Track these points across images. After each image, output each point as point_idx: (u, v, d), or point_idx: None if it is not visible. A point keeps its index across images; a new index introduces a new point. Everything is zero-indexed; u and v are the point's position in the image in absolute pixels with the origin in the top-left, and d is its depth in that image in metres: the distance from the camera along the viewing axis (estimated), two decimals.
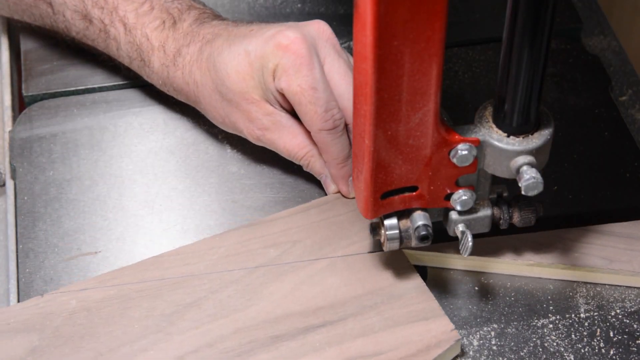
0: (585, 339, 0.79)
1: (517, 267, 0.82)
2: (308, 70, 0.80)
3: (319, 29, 0.83)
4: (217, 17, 0.89)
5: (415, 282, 0.80)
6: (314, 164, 0.85)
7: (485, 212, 0.77)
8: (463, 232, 0.76)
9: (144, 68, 0.89)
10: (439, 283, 0.82)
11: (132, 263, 0.82)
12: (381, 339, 0.76)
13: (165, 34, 0.87)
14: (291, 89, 0.80)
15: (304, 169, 0.86)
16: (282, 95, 0.82)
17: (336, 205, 0.84)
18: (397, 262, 0.81)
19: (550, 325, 0.80)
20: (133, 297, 0.78)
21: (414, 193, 0.74)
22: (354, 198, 0.84)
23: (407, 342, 0.76)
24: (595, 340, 0.79)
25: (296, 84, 0.80)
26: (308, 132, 0.83)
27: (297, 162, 0.85)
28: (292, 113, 0.83)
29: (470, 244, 0.75)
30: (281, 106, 0.83)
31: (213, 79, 0.84)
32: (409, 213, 0.76)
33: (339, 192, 0.85)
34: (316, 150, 0.84)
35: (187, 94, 0.87)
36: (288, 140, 0.83)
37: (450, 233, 0.77)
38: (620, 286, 0.82)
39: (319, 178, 0.86)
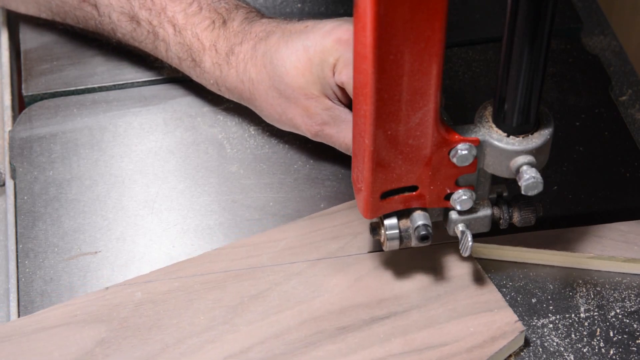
0: (585, 339, 0.79)
1: (576, 260, 0.82)
2: None
3: None
4: (264, 15, 0.89)
5: (477, 274, 0.80)
6: None
7: (485, 211, 0.77)
8: (463, 232, 0.76)
9: (194, 68, 0.89)
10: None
11: (132, 261, 0.82)
12: (446, 330, 0.77)
13: (216, 33, 0.87)
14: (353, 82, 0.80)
15: None
16: (342, 89, 0.82)
17: None
18: (459, 254, 0.81)
19: (550, 325, 0.80)
20: (198, 289, 0.79)
21: (414, 193, 0.74)
22: None
23: (471, 333, 0.76)
24: (595, 340, 0.79)
25: None
26: None
27: None
28: (350, 107, 0.84)
29: (470, 243, 0.75)
30: (339, 100, 0.83)
31: (270, 76, 0.84)
32: (409, 213, 0.76)
33: None
34: None
35: (240, 93, 0.87)
36: (347, 134, 0.83)
37: (450, 233, 0.77)
38: (620, 286, 0.82)
39: None
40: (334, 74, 0.81)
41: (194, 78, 0.90)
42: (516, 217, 0.78)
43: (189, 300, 0.78)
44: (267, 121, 0.88)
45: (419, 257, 0.81)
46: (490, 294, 0.79)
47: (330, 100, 0.83)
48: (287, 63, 0.82)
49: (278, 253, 0.81)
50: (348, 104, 0.83)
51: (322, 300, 0.78)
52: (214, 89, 0.90)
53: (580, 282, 0.82)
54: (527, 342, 0.78)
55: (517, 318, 0.77)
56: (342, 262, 0.81)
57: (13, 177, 0.89)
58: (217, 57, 0.86)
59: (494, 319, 0.77)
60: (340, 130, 0.83)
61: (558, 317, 0.80)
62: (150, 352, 0.75)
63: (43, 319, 0.77)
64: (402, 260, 0.81)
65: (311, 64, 0.82)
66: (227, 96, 0.89)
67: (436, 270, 0.80)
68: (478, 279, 0.80)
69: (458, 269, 0.80)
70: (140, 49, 0.92)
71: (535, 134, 0.72)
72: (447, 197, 0.75)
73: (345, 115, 0.83)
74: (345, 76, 0.80)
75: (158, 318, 0.77)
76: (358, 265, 0.81)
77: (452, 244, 0.81)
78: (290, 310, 0.78)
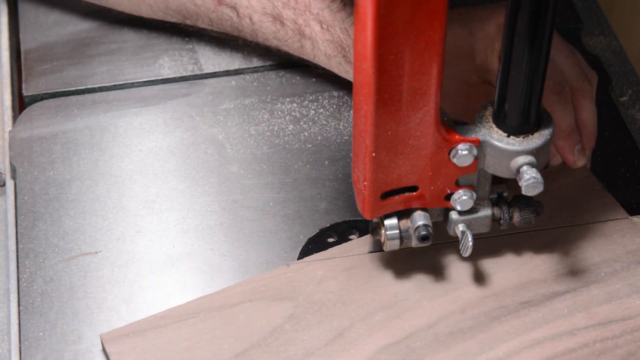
0: None
1: None
2: None
3: None
4: None
5: None
6: None
7: (485, 212, 0.77)
8: (463, 232, 0.76)
9: (343, 65, 0.89)
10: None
11: (132, 261, 0.83)
12: (627, 304, 0.78)
13: None
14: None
15: None
16: None
17: (559, 177, 0.86)
18: (629, 231, 0.82)
19: None
20: (377, 267, 0.80)
21: (414, 193, 0.74)
22: (580, 167, 0.85)
23: None
24: None
25: None
26: None
27: None
28: None
29: (471, 243, 0.75)
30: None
31: None
32: (409, 213, 0.76)
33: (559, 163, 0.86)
34: None
35: None
36: None
37: (451, 233, 0.77)
38: None
39: None
40: (499, 60, 0.81)
41: (343, 74, 0.90)
42: (516, 218, 0.78)
43: (369, 277, 0.80)
44: None
45: (589, 234, 0.82)
46: None
47: (491, 84, 0.83)
48: (451, 49, 0.81)
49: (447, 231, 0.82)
50: None
51: (500, 275, 0.80)
52: None
53: None
54: None
55: None
56: (516, 239, 0.82)
57: (13, 177, 0.89)
58: None
59: None
60: None
61: None
62: (339, 326, 0.77)
63: (229, 295, 0.79)
64: (573, 238, 0.82)
65: (474, 51, 0.81)
66: None
67: (608, 247, 0.81)
68: None
69: (632, 245, 0.81)
70: (283, 49, 0.92)
71: (536, 134, 0.72)
72: (448, 197, 0.75)
73: None
74: None
75: (341, 294, 0.79)
76: (531, 242, 0.82)
77: (630, 221, 0.83)
78: (469, 285, 0.79)
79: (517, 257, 0.81)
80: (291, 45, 0.90)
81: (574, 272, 0.80)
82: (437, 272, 0.80)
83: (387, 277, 0.80)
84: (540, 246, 0.82)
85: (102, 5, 0.98)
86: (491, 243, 0.81)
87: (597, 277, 0.80)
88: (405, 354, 0.75)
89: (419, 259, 0.81)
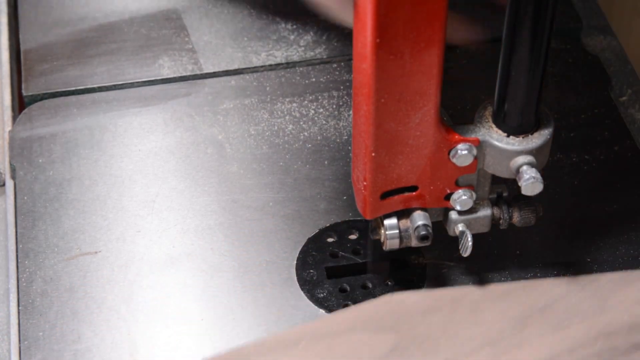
0: None
1: None
2: None
3: None
4: None
5: None
6: None
7: (485, 212, 0.77)
8: (463, 232, 0.76)
9: None
10: (439, 282, 0.82)
11: (132, 261, 0.83)
12: None
13: None
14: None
15: None
16: None
17: None
18: None
19: None
20: (482, 300, 0.77)
21: (414, 193, 0.74)
22: None
23: None
24: None
25: None
26: None
27: None
28: None
29: (470, 243, 0.75)
30: None
31: None
32: (409, 213, 0.76)
33: None
34: None
35: None
36: None
37: (450, 233, 0.77)
38: None
39: None
40: None
41: None
42: (516, 218, 0.78)
43: (475, 310, 0.77)
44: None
45: None
46: None
47: None
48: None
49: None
50: None
51: (610, 315, 0.76)
52: None
53: None
54: None
55: None
56: (627, 278, 0.79)
57: (13, 177, 0.89)
58: None
59: None
60: None
61: None
62: None
63: (331, 324, 0.76)
64: None
65: None
66: None
67: None
68: None
69: None
70: None
71: (536, 134, 0.72)
72: (447, 197, 0.75)
73: None
74: None
75: (446, 327, 0.76)
76: None
77: None
78: (580, 324, 0.75)
79: (629, 295, 0.77)
80: None
81: None
82: (545, 308, 0.77)
83: (494, 311, 0.76)
84: None
85: (102, 5, 0.98)
86: (602, 280, 0.78)
87: None
88: None
89: (527, 295, 0.77)
